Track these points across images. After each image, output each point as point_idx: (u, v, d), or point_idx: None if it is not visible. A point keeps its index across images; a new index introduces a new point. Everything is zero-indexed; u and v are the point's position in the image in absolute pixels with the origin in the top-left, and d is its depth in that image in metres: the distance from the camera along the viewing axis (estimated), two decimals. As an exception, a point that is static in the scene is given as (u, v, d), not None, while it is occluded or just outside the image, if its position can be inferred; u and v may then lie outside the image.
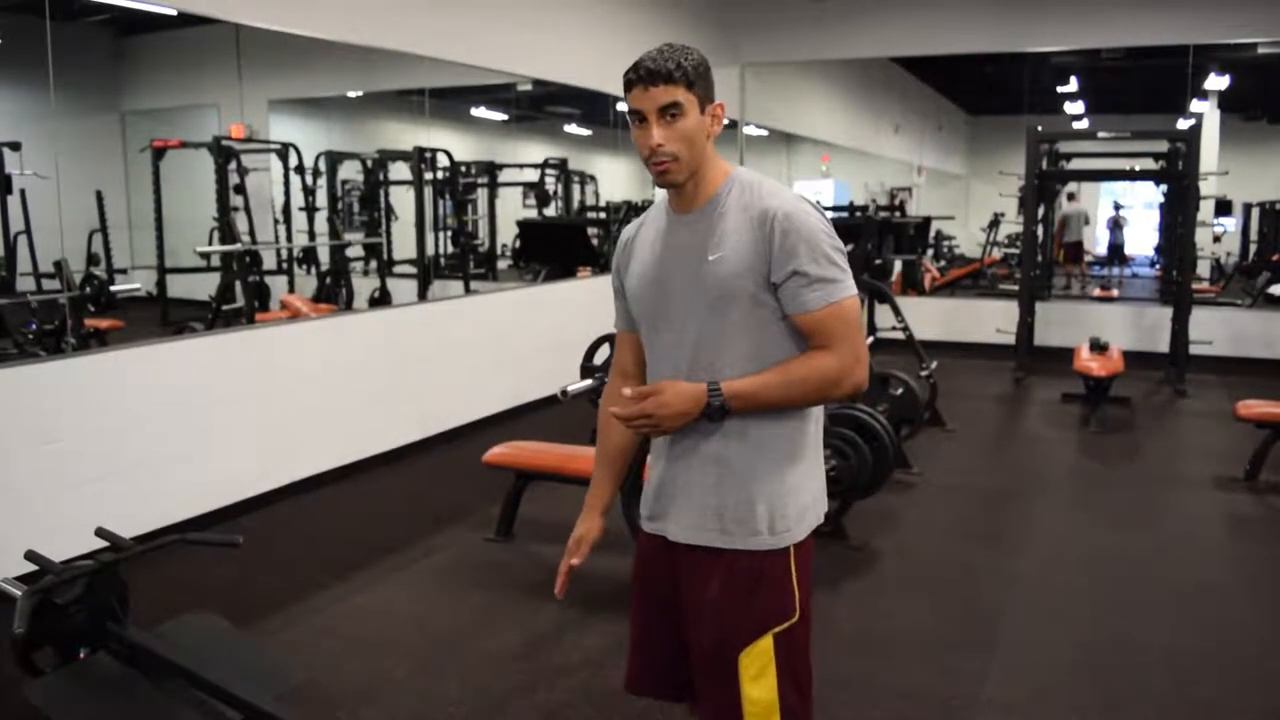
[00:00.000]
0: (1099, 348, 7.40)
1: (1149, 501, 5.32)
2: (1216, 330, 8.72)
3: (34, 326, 6.85)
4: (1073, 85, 14.50)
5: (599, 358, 3.33)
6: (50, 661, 2.64)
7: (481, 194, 10.60)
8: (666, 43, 1.83)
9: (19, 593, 2.54)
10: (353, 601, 3.93)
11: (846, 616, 3.78)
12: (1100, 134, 9.53)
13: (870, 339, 6.22)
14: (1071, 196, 14.24)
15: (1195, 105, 11.69)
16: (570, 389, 3.22)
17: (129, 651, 2.65)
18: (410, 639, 3.59)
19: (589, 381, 3.27)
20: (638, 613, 2.02)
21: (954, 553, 4.52)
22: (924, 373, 6.57)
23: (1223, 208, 13.69)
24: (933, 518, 5.01)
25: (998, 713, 3.08)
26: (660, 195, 1.95)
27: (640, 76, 1.79)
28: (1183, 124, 9.22)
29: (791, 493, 1.83)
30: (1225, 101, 12.65)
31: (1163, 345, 8.68)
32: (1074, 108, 15.13)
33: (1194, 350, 8.33)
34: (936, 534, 4.78)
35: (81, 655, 2.66)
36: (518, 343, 6.97)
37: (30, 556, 2.70)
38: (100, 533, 2.84)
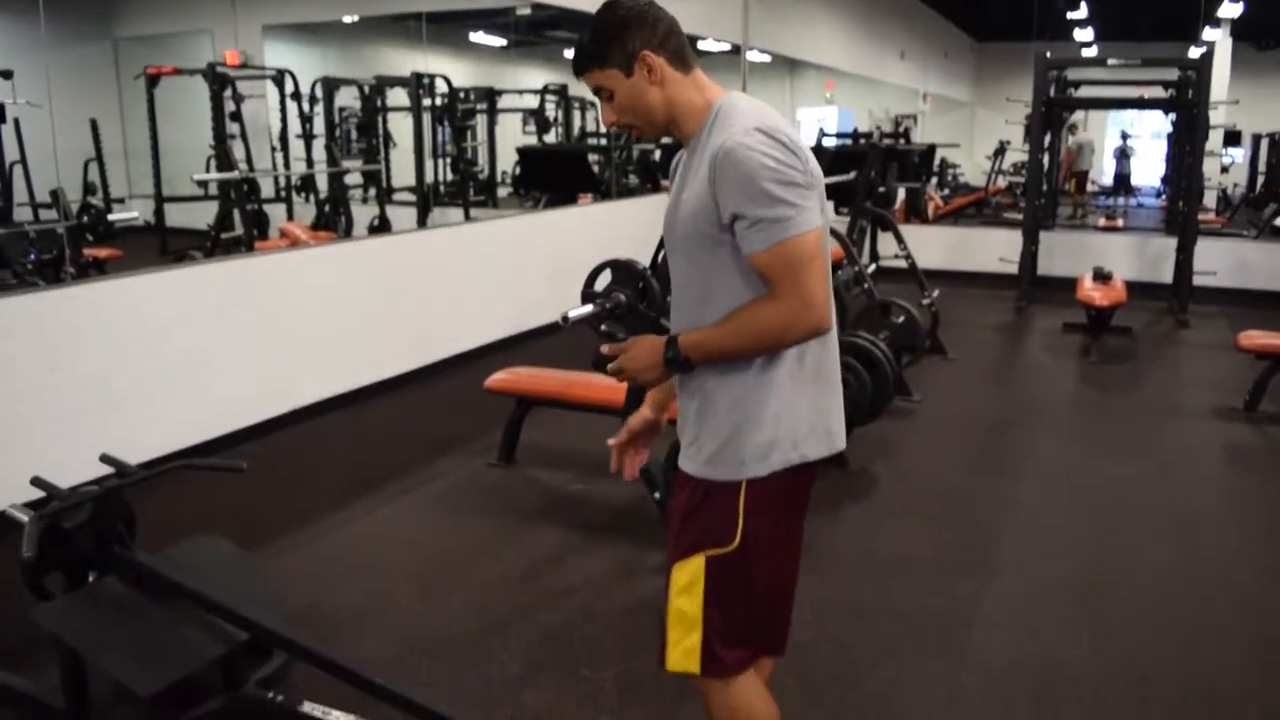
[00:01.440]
0: (1102, 277, 7.37)
1: (1147, 431, 5.34)
2: (1221, 261, 8.67)
3: (33, 256, 6.82)
4: (1082, 11, 14.24)
5: (600, 284, 3.31)
6: (59, 586, 2.67)
7: (481, 120, 10.48)
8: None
9: (26, 518, 2.56)
10: (356, 526, 3.98)
11: (845, 541, 3.82)
12: (1110, 61, 9.38)
13: (873, 267, 6.20)
14: (1074, 128, 14.06)
15: (1207, 33, 11.50)
16: (571, 315, 3.19)
17: (136, 575, 2.67)
18: (412, 562, 3.64)
19: (590, 307, 3.25)
20: None
21: (952, 479, 4.56)
22: (926, 301, 6.56)
23: (1231, 138, 13.55)
24: (932, 445, 5.04)
25: (992, 633, 3.13)
26: None
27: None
28: (1194, 52, 9.05)
29: (752, 430, 1.79)
30: (1238, 29, 12.43)
31: (1166, 276, 8.65)
32: (1083, 34, 14.89)
33: (1197, 281, 8.30)
34: (935, 461, 4.81)
35: (90, 579, 2.69)
36: (518, 269, 6.95)
37: (36, 482, 2.71)
38: (105, 458, 2.85)
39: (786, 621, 2.02)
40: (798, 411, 1.82)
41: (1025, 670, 2.91)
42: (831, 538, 3.81)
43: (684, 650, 1.87)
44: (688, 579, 1.85)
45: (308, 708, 2.54)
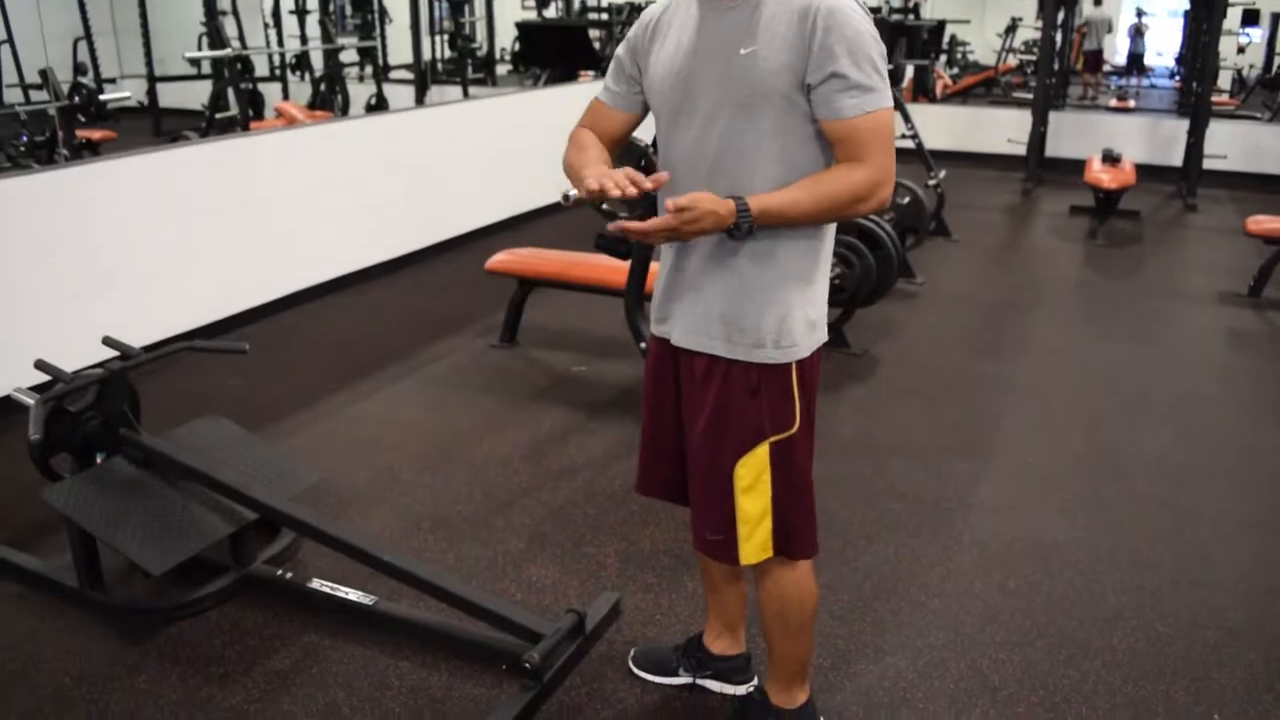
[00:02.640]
0: (1111, 159, 7.27)
1: (1151, 315, 5.33)
2: (1233, 144, 8.53)
3: (25, 138, 6.73)
4: (1102, -122, 13.68)
5: (601, 164, 3.27)
6: (68, 467, 2.71)
7: (479, -5, 10.20)
8: None
9: (31, 401, 2.58)
10: (359, 407, 4.01)
11: (845, 421, 3.85)
12: (1128, -69, 9.05)
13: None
14: (1097, 1, 13.66)
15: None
16: (572, 194, 3.13)
17: (144, 455, 2.71)
18: (417, 442, 3.67)
19: (591, 188, 3.22)
20: (646, 414, 2.03)
21: (954, 362, 4.57)
22: (931, 182, 6.48)
23: (1250, 17, 13.16)
24: (934, 327, 5.04)
25: (989, 513, 3.18)
26: None
27: None
28: (1215, -80, 8.73)
29: (799, 308, 1.79)
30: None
31: (1177, 159, 8.52)
32: (1102, -97, 14.33)
33: (1208, 164, 8.17)
34: (937, 343, 4.82)
35: (98, 460, 2.72)
36: (519, 149, 6.84)
37: (40, 365, 2.72)
38: (108, 341, 2.85)
39: None
40: (824, 290, 1.86)
41: (1020, 550, 2.96)
42: (832, 418, 3.83)
43: (757, 543, 1.88)
44: (754, 473, 1.83)
45: (316, 584, 2.60)
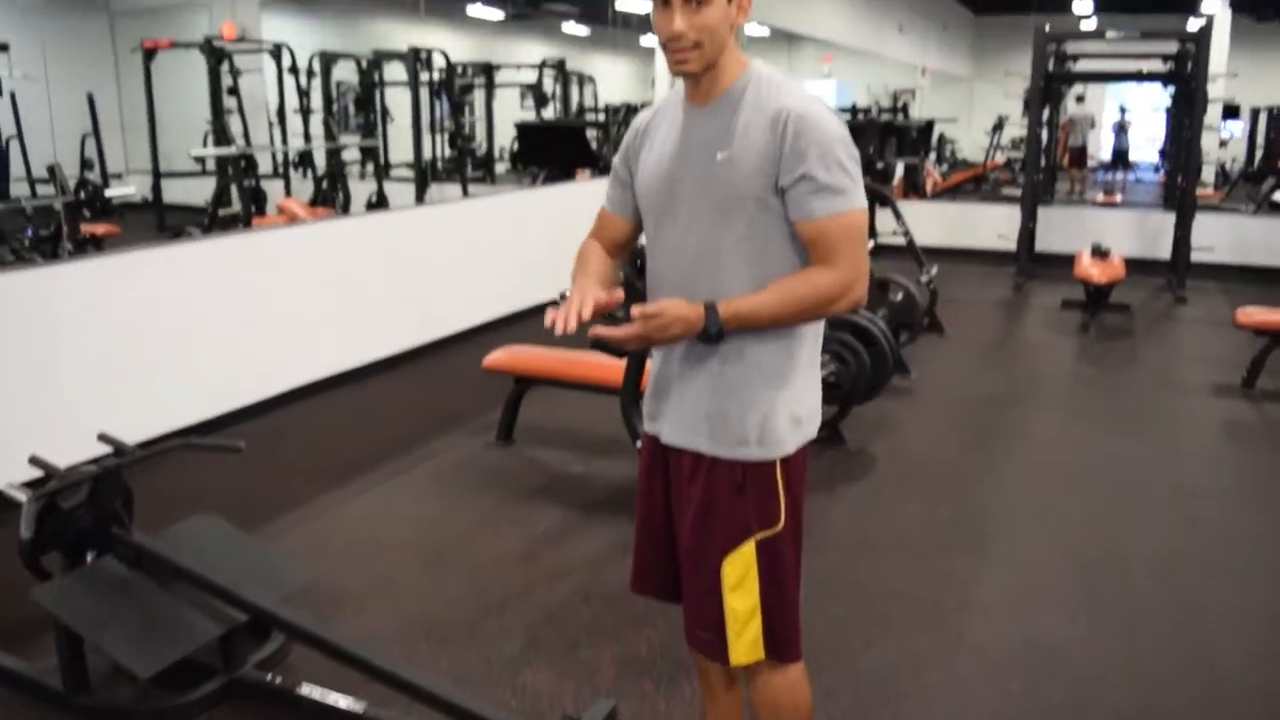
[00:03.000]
0: (1100, 254, 7.37)
1: (1146, 408, 5.35)
2: (1219, 237, 8.66)
3: (30, 232, 6.80)
4: (1081, -17, 14.14)
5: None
6: (58, 565, 2.68)
7: (478, 95, 10.43)
8: None
9: (24, 497, 2.57)
10: (354, 505, 3.98)
11: (842, 519, 3.84)
12: (1108, 34, 9.33)
13: (871, 244, 6.17)
14: (1080, 99, 14.00)
15: (1205, 4, 11.41)
16: (569, 293, 3.20)
17: (135, 555, 2.68)
18: (411, 541, 3.65)
19: (587, 288, 3.25)
20: (639, 512, 2.03)
21: (949, 457, 4.57)
22: (924, 278, 6.55)
23: (1230, 111, 13.49)
24: (930, 423, 5.05)
25: (988, 613, 3.15)
26: (677, 85, 1.87)
27: None
28: (1192, 24, 8.99)
29: (784, 405, 1.80)
30: (1236, 1, 12.34)
31: (1164, 252, 8.64)
32: (1081, 7, 14.77)
33: (1196, 257, 8.29)
34: (933, 439, 4.82)
35: (88, 559, 2.70)
36: (516, 246, 6.93)
37: (34, 461, 2.71)
38: (103, 437, 2.85)
39: None
40: (813, 387, 1.87)
41: (1021, 651, 2.92)
42: (828, 516, 3.82)
43: (747, 642, 1.86)
44: (740, 571, 1.82)
45: (306, 689, 2.55)
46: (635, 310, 1.70)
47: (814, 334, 1.86)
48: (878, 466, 4.41)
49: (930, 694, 2.70)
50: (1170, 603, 3.22)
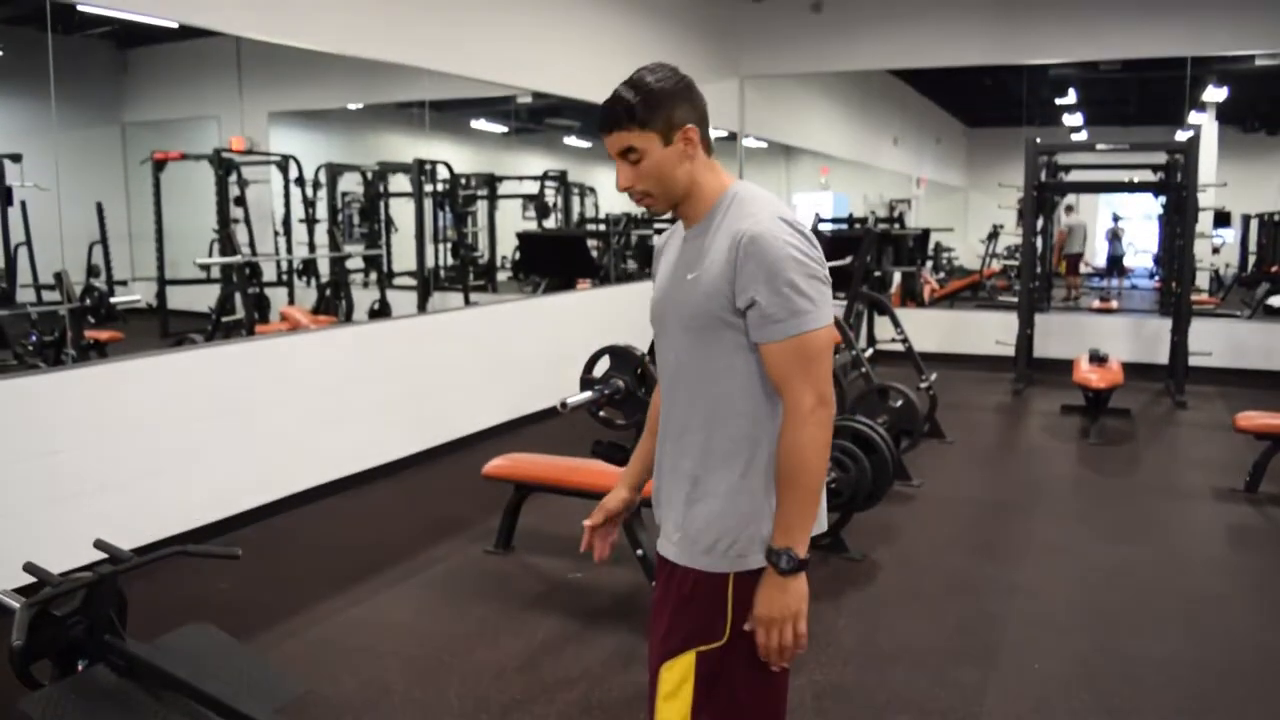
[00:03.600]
0: (1098, 359, 7.40)
1: (1148, 513, 5.31)
2: (1216, 341, 8.72)
3: (34, 338, 6.85)
4: (1071, 97, 14.54)
5: (598, 369, 3.33)
6: (48, 674, 2.63)
7: (481, 206, 10.61)
8: (639, 68, 1.79)
9: (17, 605, 2.54)
10: (352, 613, 3.93)
11: (846, 628, 3.78)
12: (1099, 146, 9.57)
13: (869, 351, 6.22)
14: (1070, 209, 14.25)
15: (1193, 117, 11.72)
16: (570, 401, 3.22)
17: (127, 664, 2.64)
18: (409, 650, 3.58)
19: (588, 394, 3.27)
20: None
21: (954, 565, 4.52)
22: (923, 384, 6.58)
23: (1221, 219, 13.70)
24: (933, 530, 5.01)
25: (998, 725, 3.08)
26: None
27: (599, 122, 1.78)
28: (1181, 135, 9.22)
29: (751, 520, 1.77)
30: (1223, 113, 12.69)
31: (1162, 356, 8.69)
32: (1073, 119, 15.17)
33: (1193, 361, 8.33)
34: (936, 546, 4.78)
35: (80, 668, 2.65)
36: (517, 355, 6.98)
37: (29, 569, 2.69)
38: (99, 544, 2.83)
39: None
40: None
41: (1032, 762, 2.85)
42: (833, 625, 3.76)
43: None
44: (677, 679, 1.79)
45: (299, 804, 2.48)
46: (748, 628, 1.75)
47: (770, 453, 1.78)
48: (881, 574, 4.36)
49: (940, 810, 2.62)
50: (1182, 712, 3.15)
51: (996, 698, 3.25)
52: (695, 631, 1.78)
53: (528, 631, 3.72)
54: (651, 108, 1.75)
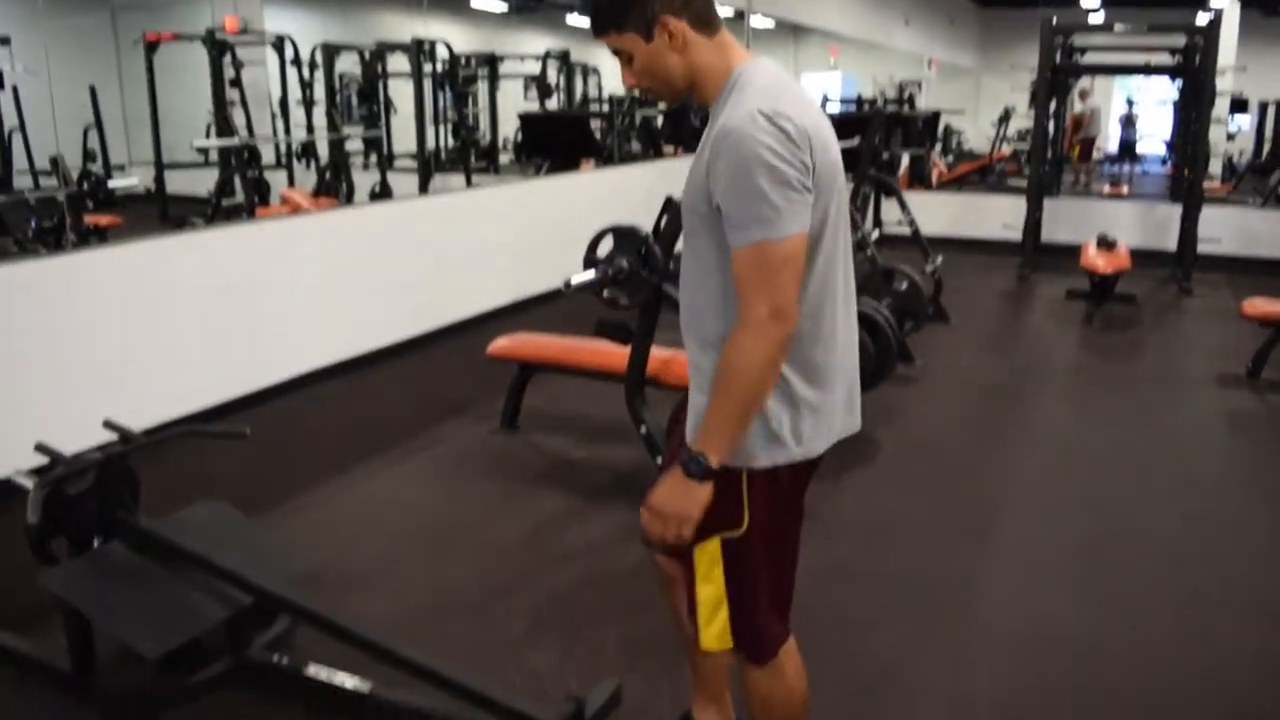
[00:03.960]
0: (1106, 245, 7.35)
1: (1150, 398, 5.34)
2: (1226, 229, 8.63)
3: (34, 224, 6.81)
4: (1089, -25, 14.10)
5: (602, 250, 3.30)
6: (65, 551, 2.69)
7: (482, 87, 10.42)
8: None
9: (30, 484, 2.58)
10: (359, 491, 3.99)
11: (846, 507, 3.84)
12: (1116, 27, 9.30)
13: (876, 233, 6.17)
14: (1084, 94, 13.95)
15: (1214, -1, 11.38)
16: (574, 281, 3.19)
17: (141, 540, 2.69)
18: (416, 527, 3.65)
19: (592, 273, 3.25)
20: None
21: (954, 445, 4.57)
22: (929, 268, 6.55)
23: (1238, 105, 13.44)
24: (934, 411, 5.05)
25: (993, 600, 3.15)
26: None
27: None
28: (1201, 18, 8.95)
29: (759, 421, 1.73)
30: (1246, -7, 12.32)
31: (1171, 243, 8.61)
32: (1089, 0, 14.74)
33: (1202, 249, 8.26)
34: (937, 427, 4.82)
35: (95, 544, 2.71)
36: (521, 236, 6.93)
37: (40, 448, 2.72)
38: (108, 424, 2.86)
39: (790, 597, 1.99)
40: (796, 405, 1.76)
41: (1026, 635, 2.92)
42: (833, 504, 3.82)
43: (715, 631, 1.87)
44: (708, 562, 1.83)
45: (312, 670, 2.56)
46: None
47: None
48: (882, 454, 4.41)
49: (938, 679, 2.70)
50: (1173, 591, 3.21)
51: (991, 574, 3.31)
52: (717, 520, 1.78)
53: (532, 508, 3.79)
54: (620, 7, 1.70)
